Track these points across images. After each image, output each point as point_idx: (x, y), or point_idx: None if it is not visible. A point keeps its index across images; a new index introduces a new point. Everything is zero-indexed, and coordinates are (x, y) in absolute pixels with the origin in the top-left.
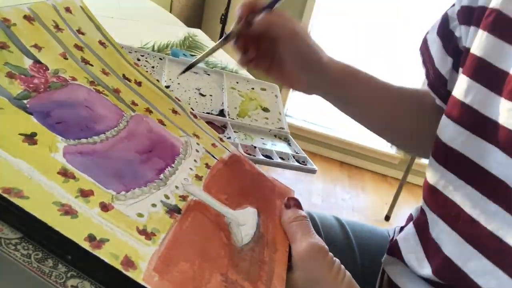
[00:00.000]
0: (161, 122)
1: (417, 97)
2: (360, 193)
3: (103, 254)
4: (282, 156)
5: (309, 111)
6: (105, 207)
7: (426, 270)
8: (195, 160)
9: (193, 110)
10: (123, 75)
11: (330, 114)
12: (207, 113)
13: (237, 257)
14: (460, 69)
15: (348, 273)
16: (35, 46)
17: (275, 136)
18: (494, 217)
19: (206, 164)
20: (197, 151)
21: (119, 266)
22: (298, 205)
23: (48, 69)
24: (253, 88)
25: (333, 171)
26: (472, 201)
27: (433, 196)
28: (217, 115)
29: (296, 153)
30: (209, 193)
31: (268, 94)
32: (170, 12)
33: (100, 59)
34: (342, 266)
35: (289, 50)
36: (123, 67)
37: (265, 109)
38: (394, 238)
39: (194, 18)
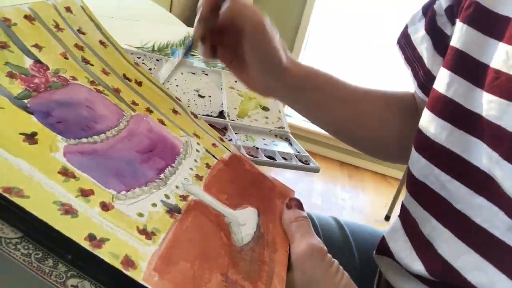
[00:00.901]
0: (161, 122)
1: (385, 100)
2: (360, 193)
3: (103, 253)
4: (285, 156)
5: None
6: (105, 207)
7: (418, 267)
8: (195, 160)
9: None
10: (124, 74)
11: None
12: (206, 115)
13: (237, 257)
14: None
15: (346, 274)
16: (36, 45)
17: (275, 136)
18: (481, 210)
19: (207, 164)
20: (198, 151)
21: (119, 266)
22: (299, 206)
23: (49, 69)
24: None
25: (333, 171)
26: (458, 195)
27: (422, 192)
28: (217, 116)
29: (298, 152)
30: (210, 193)
31: None
32: (170, 12)
33: (100, 59)
34: (341, 268)
35: (252, 46)
36: (124, 66)
37: (265, 108)
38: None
39: (194, 18)
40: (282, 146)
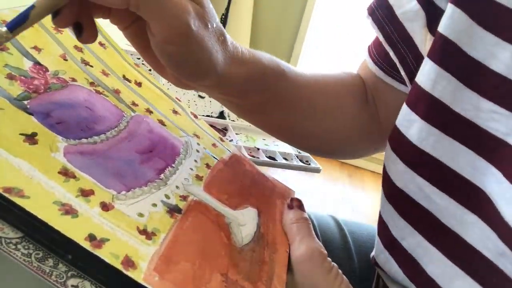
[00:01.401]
0: (161, 122)
1: (334, 89)
2: (360, 193)
3: (103, 253)
4: (286, 156)
5: None
6: (105, 207)
7: (411, 285)
8: (195, 160)
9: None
10: (123, 75)
11: None
12: (207, 115)
13: (238, 257)
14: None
15: (345, 279)
16: (35, 47)
17: None
18: (473, 228)
19: (207, 164)
20: (198, 151)
21: (119, 266)
22: (300, 207)
23: (48, 71)
24: None
25: (333, 171)
26: (448, 210)
27: (401, 200)
28: (217, 117)
29: (299, 152)
30: (210, 193)
31: None
32: None
33: (100, 60)
34: (340, 272)
35: (161, 50)
36: (123, 68)
37: None
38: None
39: None
40: (282, 147)
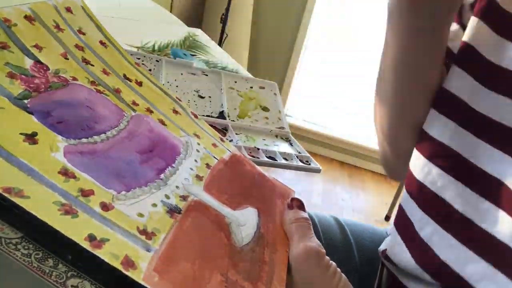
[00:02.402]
0: (161, 122)
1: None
2: (360, 193)
3: (103, 254)
4: (286, 156)
5: (309, 111)
6: (105, 207)
7: (425, 276)
8: (195, 160)
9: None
10: (124, 75)
11: (330, 114)
12: (207, 115)
13: (237, 257)
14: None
15: (344, 277)
16: (36, 46)
17: (276, 136)
18: (487, 215)
19: (207, 164)
20: (198, 151)
21: (119, 266)
22: (301, 206)
23: (49, 69)
24: (251, 87)
25: (333, 171)
26: (462, 198)
27: (420, 192)
28: (217, 117)
29: (299, 153)
30: (210, 193)
31: (267, 93)
32: (171, 11)
33: (100, 59)
34: (338, 270)
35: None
36: (124, 67)
37: (265, 108)
38: (384, 249)
39: (194, 18)
40: (282, 147)
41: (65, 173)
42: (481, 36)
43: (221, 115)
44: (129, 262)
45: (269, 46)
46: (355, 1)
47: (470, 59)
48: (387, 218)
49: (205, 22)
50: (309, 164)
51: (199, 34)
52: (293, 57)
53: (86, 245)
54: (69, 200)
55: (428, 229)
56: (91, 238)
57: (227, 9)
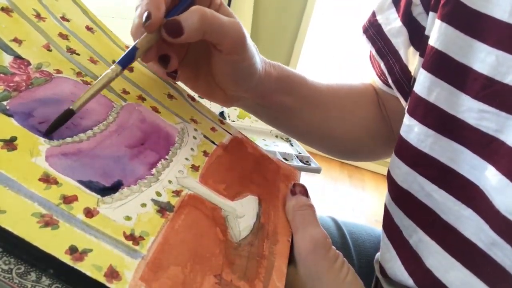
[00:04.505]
0: (155, 109)
1: (350, 97)
2: (360, 193)
3: (85, 267)
4: (286, 157)
5: None
6: (89, 213)
7: (409, 281)
8: (192, 149)
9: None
10: (113, 61)
11: None
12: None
13: (233, 254)
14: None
15: (352, 269)
16: (15, 40)
17: (276, 136)
18: (469, 222)
19: (204, 151)
20: (195, 138)
21: (102, 279)
22: (304, 192)
23: (30, 64)
24: None
25: (333, 171)
26: (446, 206)
27: (407, 200)
28: None
29: (299, 153)
30: (206, 184)
31: None
32: None
33: (87, 47)
34: (346, 262)
35: (228, 66)
36: (113, 52)
37: None
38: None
39: None
40: (283, 147)
41: (46, 179)
42: (450, 39)
43: (222, 115)
44: (113, 273)
45: (269, 46)
46: (355, 2)
47: (442, 64)
48: None
49: None
50: (309, 164)
51: None
52: (293, 57)
53: (66, 259)
54: (49, 209)
55: (415, 237)
56: (72, 250)
57: None
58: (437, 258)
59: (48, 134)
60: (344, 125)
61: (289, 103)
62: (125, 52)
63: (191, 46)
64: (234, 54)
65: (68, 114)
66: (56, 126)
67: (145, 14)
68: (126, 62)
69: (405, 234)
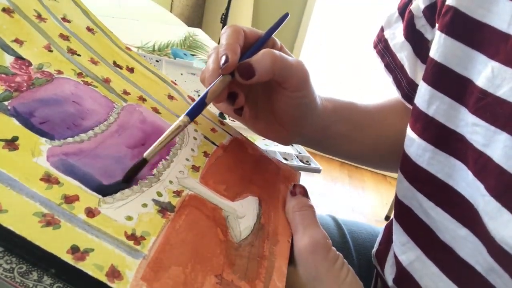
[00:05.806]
0: (155, 110)
1: (392, 112)
2: (360, 193)
3: (86, 266)
4: (286, 156)
5: None
6: (91, 213)
7: None
8: (192, 149)
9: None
10: (114, 62)
11: None
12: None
13: (234, 255)
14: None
15: (351, 270)
16: (16, 40)
17: None
18: (466, 243)
19: (204, 152)
20: (195, 138)
21: (103, 278)
22: (304, 193)
23: (31, 65)
24: None
25: (333, 171)
26: (443, 224)
27: (406, 216)
28: None
29: (299, 152)
30: (207, 185)
31: None
32: (171, 11)
33: (88, 48)
34: (346, 263)
35: (291, 99)
36: (114, 53)
37: None
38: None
39: (194, 18)
40: (283, 147)
41: (47, 179)
42: (450, 51)
43: (222, 115)
44: (114, 273)
45: None
46: (355, 2)
47: (443, 77)
48: (387, 218)
49: (205, 22)
50: (309, 164)
51: (199, 34)
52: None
53: (68, 258)
54: (51, 209)
55: (411, 254)
56: (74, 250)
57: (227, 9)
58: (433, 280)
59: (125, 182)
60: (389, 141)
61: (344, 131)
62: (204, 92)
63: (252, 87)
64: (298, 91)
65: (142, 163)
66: (132, 174)
67: (224, 57)
68: (195, 111)
69: (396, 250)
